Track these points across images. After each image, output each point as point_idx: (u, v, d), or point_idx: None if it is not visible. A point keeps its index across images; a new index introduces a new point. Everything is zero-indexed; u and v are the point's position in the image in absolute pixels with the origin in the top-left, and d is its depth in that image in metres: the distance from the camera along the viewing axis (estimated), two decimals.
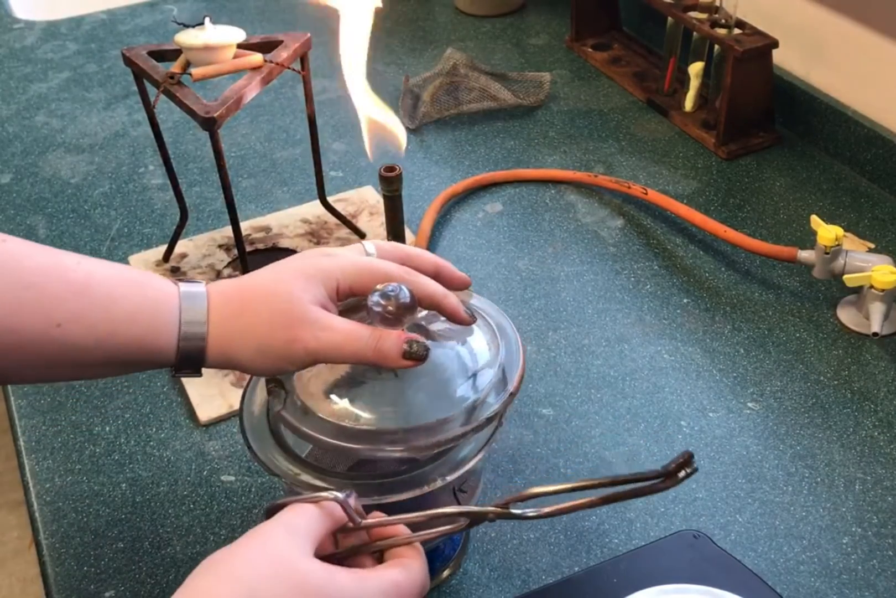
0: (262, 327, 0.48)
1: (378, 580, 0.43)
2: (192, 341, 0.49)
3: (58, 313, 0.47)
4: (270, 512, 0.45)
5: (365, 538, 0.46)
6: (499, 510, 0.46)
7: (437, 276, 0.54)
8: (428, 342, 0.49)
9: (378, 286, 0.49)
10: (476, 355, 0.53)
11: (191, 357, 0.50)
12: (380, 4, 0.64)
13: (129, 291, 0.49)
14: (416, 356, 0.48)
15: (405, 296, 0.49)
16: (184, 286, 0.50)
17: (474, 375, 0.52)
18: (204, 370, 0.72)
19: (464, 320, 0.53)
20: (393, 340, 0.48)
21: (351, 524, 0.45)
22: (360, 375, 0.52)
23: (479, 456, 0.51)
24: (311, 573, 0.41)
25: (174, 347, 0.49)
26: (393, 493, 0.49)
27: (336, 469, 0.53)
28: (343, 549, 0.46)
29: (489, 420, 0.50)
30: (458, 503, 0.55)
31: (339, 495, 0.44)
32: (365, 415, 0.50)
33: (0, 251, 0.47)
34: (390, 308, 0.49)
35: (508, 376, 0.52)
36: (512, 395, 0.51)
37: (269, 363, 0.49)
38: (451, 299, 0.52)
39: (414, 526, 0.46)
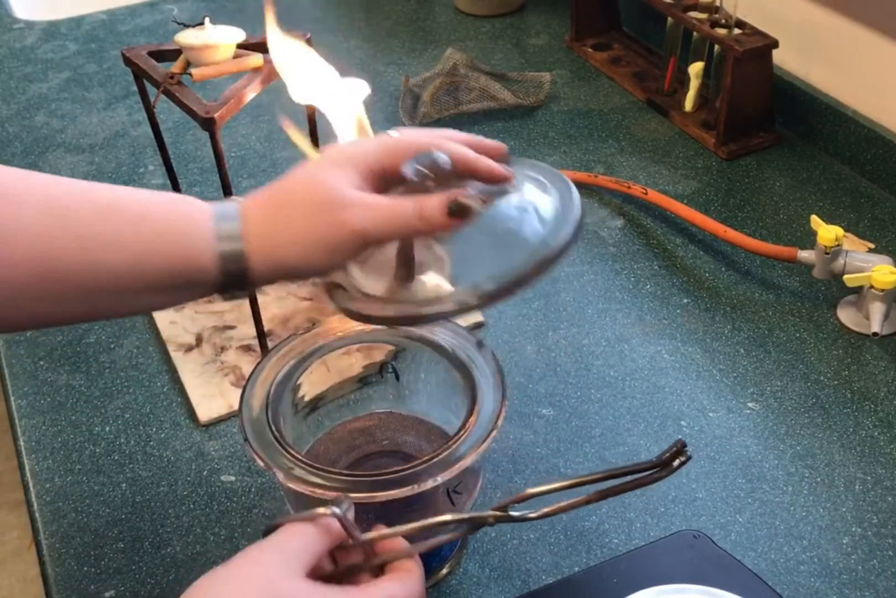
0: (304, 221, 0.47)
1: (372, 595, 0.43)
2: (231, 255, 0.47)
3: (88, 237, 0.46)
4: (268, 532, 0.44)
5: (363, 551, 0.46)
6: (498, 513, 0.46)
7: (469, 147, 0.51)
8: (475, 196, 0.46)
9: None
10: (534, 213, 0.50)
11: (234, 274, 0.47)
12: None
13: (160, 209, 0.48)
14: (461, 212, 0.46)
15: (442, 159, 0.47)
16: (216, 203, 0.49)
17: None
18: (203, 370, 0.72)
19: (501, 176, 0.49)
20: (435, 202, 0.46)
21: (350, 541, 0.45)
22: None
23: (473, 457, 0.51)
24: (297, 593, 0.41)
25: (214, 265, 0.47)
26: (385, 490, 0.49)
27: (331, 466, 0.53)
28: (342, 568, 0.46)
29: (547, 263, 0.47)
30: (453, 504, 0.55)
31: (338, 510, 0.43)
32: (424, 285, 0.49)
33: (28, 182, 0.47)
34: (427, 173, 0.47)
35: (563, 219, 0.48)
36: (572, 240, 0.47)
37: (320, 258, 0.47)
38: (484, 159, 0.49)
39: (412, 535, 0.46)
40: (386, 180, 0.49)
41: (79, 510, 0.64)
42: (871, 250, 0.81)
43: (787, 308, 0.78)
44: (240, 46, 0.69)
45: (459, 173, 0.49)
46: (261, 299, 0.78)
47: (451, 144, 0.49)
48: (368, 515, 0.56)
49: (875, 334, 0.72)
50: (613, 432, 0.68)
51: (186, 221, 0.47)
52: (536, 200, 0.50)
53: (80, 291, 0.46)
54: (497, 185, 0.50)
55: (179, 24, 0.68)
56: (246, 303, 0.74)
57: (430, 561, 0.59)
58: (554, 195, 0.50)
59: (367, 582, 0.45)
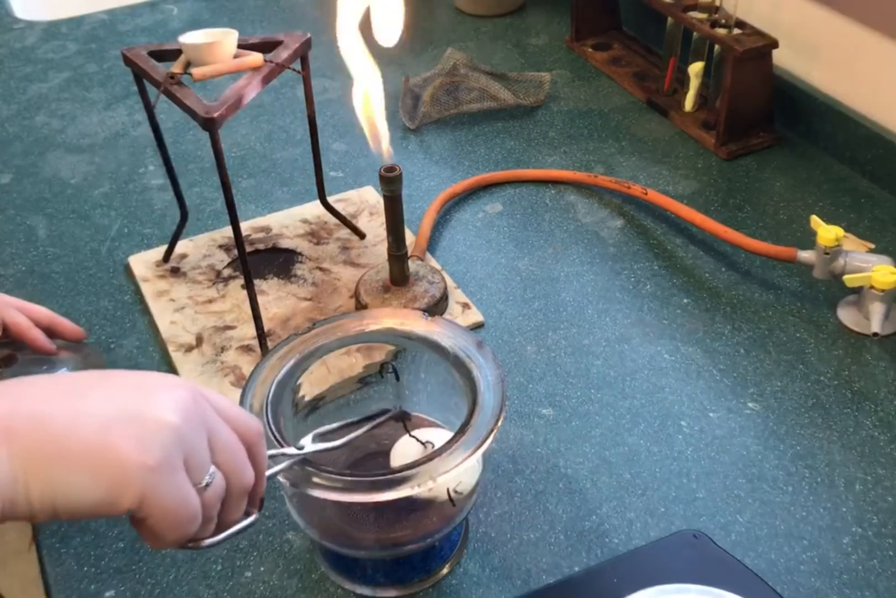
0: None
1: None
2: None
3: None
4: None
5: None
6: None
7: (51, 326, 0.68)
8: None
9: None
10: None
11: None
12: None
13: None
14: None
15: None
16: None
17: None
18: (203, 370, 0.72)
19: (45, 348, 0.67)
20: None
21: None
22: None
23: (473, 457, 0.51)
24: None
25: None
26: (385, 490, 0.49)
27: (331, 466, 0.53)
28: None
29: None
30: (453, 504, 0.55)
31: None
32: None
33: None
34: None
35: None
36: None
37: None
38: (35, 331, 0.66)
39: None
40: None
41: None
42: (871, 250, 0.81)
43: (787, 308, 0.77)
44: (240, 46, 0.69)
45: (13, 335, 0.65)
46: (261, 299, 0.78)
47: (10, 311, 0.64)
48: (369, 514, 0.57)
49: (875, 334, 0.72)
50: (613, 432, 0.68)
51: None
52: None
53: None
54: (41, 354, 0.66)
55: None
56: (246, 303, 0.74)
57: (430, 561, 0.59)
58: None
59: None
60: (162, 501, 0.39)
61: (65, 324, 0.70)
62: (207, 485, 0.41)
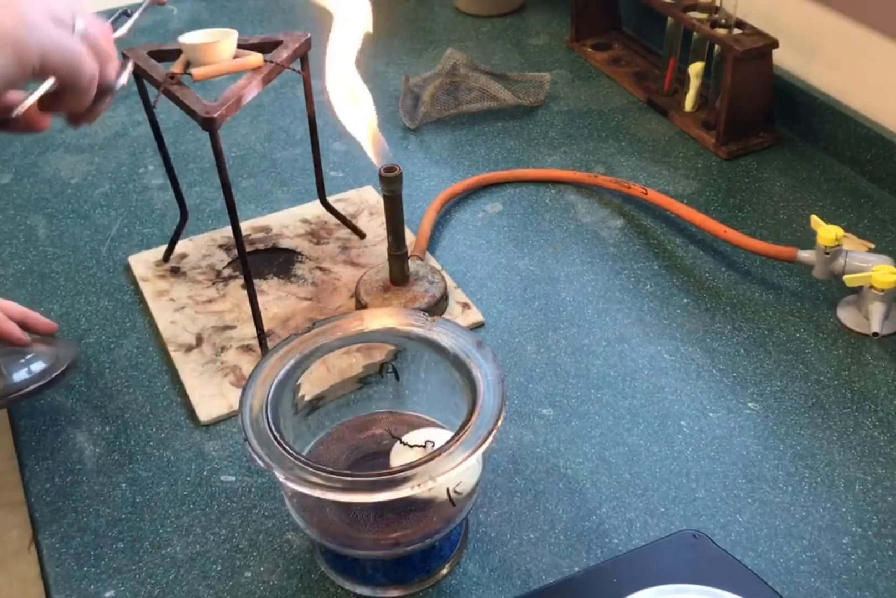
0: None
1: None
2: None
3: None
4: None
5: None
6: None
7: (24, 320, 0.69)
8: None
9: None
10: None
11: None
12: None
13: None
14: None
15: None
16: None
17: None
18: (204, 370, 0.72)
19: (18, 340, 0.67)
20: None
21: None
22: None
23: (473, 457, 0.51)
24: None
25: None
26: (385, 490, 0.49)
27: (331, 466, 0.53)
28: None
29: None
30: (453, 504, 0.55)
31: None
32: None
33: None
34: None
35: None
36: None
37: None
38: (8, 323, 0.67)
39: None
40: None
41: (79, 510, 0.64)
42: (871, 250, 0.81)
43: (787, 308, 0.78)
44: (240, 46, 0.69)
45: None
46: (261, 298, 0.78)
47: None
48: (369, 514, 0.57)
49: (875, 334, 0.72)
50: (613, 432, 0.68)
51: None
52: None
53: None
54: (15, 346, 0.68)
55: None
56: (246, 303, 0.74)
57: (430, 561, 0.59)
58: None
59: None
60: (56, 50, 0.50)
61: (37, 318, 0.72)
62: (81, 31, 0.53)
